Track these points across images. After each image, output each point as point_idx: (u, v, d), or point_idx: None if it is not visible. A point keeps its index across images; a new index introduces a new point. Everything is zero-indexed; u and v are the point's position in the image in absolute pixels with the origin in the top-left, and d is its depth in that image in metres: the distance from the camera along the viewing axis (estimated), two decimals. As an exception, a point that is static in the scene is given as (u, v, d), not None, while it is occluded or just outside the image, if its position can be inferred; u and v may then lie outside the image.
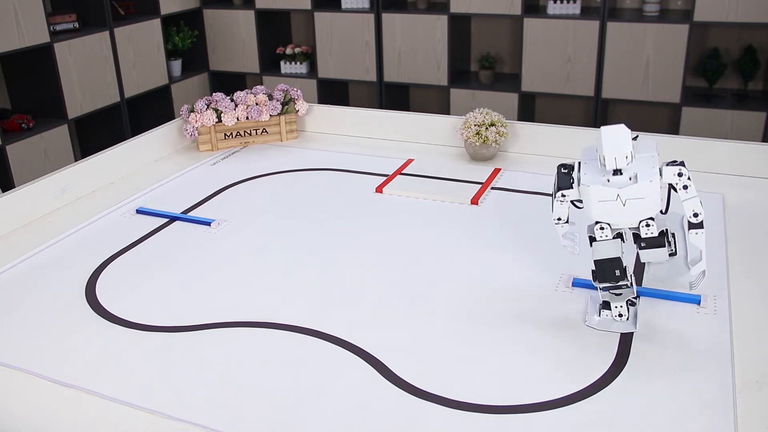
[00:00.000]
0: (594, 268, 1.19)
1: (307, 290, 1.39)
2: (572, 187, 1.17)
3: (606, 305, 1.23)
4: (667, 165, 1.13)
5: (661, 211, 1.16)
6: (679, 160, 1.14)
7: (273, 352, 1.20)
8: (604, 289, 1.21)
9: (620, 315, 1.22)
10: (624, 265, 1.18)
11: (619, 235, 1.17)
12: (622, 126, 1.11)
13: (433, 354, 1.18)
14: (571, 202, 1.20)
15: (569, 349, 1.18)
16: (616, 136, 1.11)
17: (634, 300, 1.22)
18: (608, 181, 1.12)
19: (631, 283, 1.19)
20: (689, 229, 1.14)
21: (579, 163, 1.18)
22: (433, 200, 1.78)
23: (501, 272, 1.43)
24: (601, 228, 1.17)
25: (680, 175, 1.12)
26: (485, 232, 1.60)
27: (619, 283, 1.18)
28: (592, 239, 1.19)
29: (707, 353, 1.15)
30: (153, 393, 1.10)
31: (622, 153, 1.10)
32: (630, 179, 1.11)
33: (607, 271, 1.18)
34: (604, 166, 1.11)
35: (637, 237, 1.17)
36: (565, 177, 1.19)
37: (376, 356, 1.17)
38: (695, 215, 1.13)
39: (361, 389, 1.10)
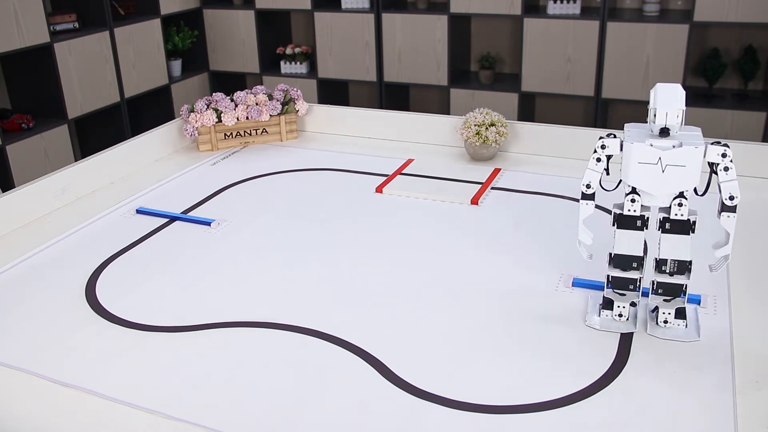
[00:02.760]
0: (612, 254, 1.19)
1: (307, 290, 1.39)
2: (616, 138, 1.14)
3: (607, 304, 1.23)
4: (712, 144, 1.11)
5: (698, 192, 1.14)
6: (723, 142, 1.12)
7: (273, 352, 1.19)
8: (610, 285, 1.21)
9: (620, 315, 1.22)
10: (643, 256, 1.18)
11: (644, 224, 1.16)
12: (678, 85, 1.10)
13: (433, 354, 1.18)
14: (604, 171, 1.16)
15: (569, 349, 1.18)
16: (671, 92, 1.09)
17: (635, 301, 1.22)
18: (652, 145, 1.10)
19: (638, 287, 1.20)
20: (722, 211, 1.13)
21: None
22: (433, 200, 1.78)
23: (501, 272, 1.43)
24: (632, 200, 1.14)
25: (724, 156, 1.10)
26: (485, 232, 1.60)
27: (628, 276, 1.18)
28: (616, 219, 1.16)
29: (707, 353, 1.15)
30: (153, 393, 1.10)
31: (674, 109, 1.08)
32: (674, 146, 1.09)
33: (625, 261, 1.18)
34: (654, 121, 1.09)
35: (663, 222, 1.14)
36: (611, 138, 1.16)
37: (376, 356, 1.17)
38: (731, 198, 1.11)
39: (361, 389, 1.10)
